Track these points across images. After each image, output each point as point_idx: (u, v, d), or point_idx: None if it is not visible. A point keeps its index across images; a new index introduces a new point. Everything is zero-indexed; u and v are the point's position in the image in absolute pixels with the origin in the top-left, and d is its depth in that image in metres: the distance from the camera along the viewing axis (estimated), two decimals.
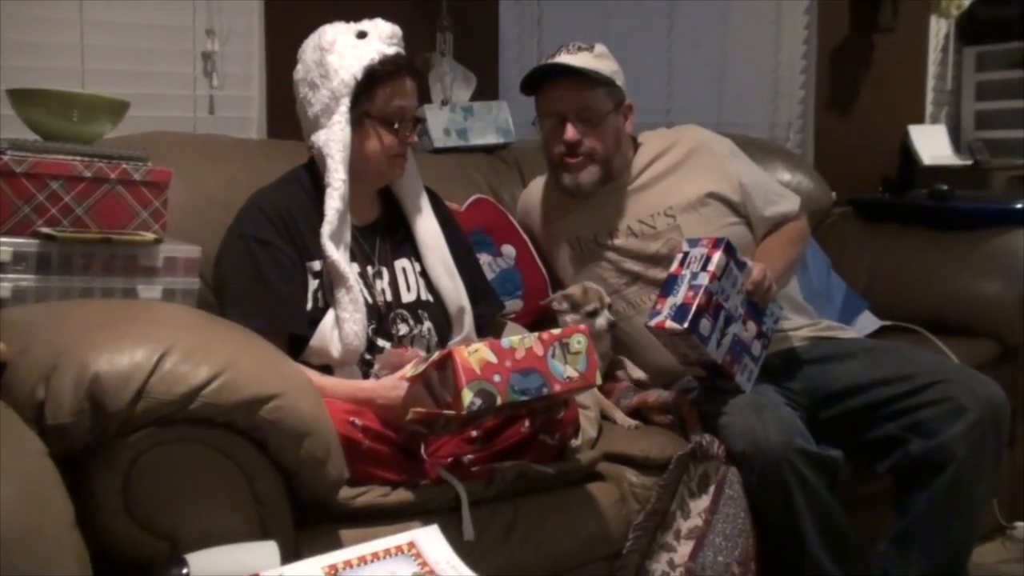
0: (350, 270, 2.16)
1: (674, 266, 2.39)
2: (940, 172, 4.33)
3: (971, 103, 5.05)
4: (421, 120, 2.32)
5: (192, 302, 2.08)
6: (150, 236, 2.02)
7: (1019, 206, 3.48)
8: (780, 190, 2.83)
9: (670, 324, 2.28)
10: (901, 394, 2.41)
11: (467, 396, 1.79)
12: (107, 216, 2.00)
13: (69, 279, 1.93)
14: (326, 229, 2.14)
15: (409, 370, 1.97)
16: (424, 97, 3.25)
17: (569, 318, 2.54)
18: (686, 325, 2.25)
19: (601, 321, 2.52)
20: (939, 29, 5.01)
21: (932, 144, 4.80)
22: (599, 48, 2.64)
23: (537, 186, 2.89)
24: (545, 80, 2.61)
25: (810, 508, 2.23)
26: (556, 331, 1.95)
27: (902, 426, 2.39)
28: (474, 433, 2.09)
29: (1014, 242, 3.29)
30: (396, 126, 2.22)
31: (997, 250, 3.31)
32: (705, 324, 2.28)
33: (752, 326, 2.38)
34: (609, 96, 2.62)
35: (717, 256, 2.32)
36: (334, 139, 2.17)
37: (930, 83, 5.01)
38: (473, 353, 1.83)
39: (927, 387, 2.39)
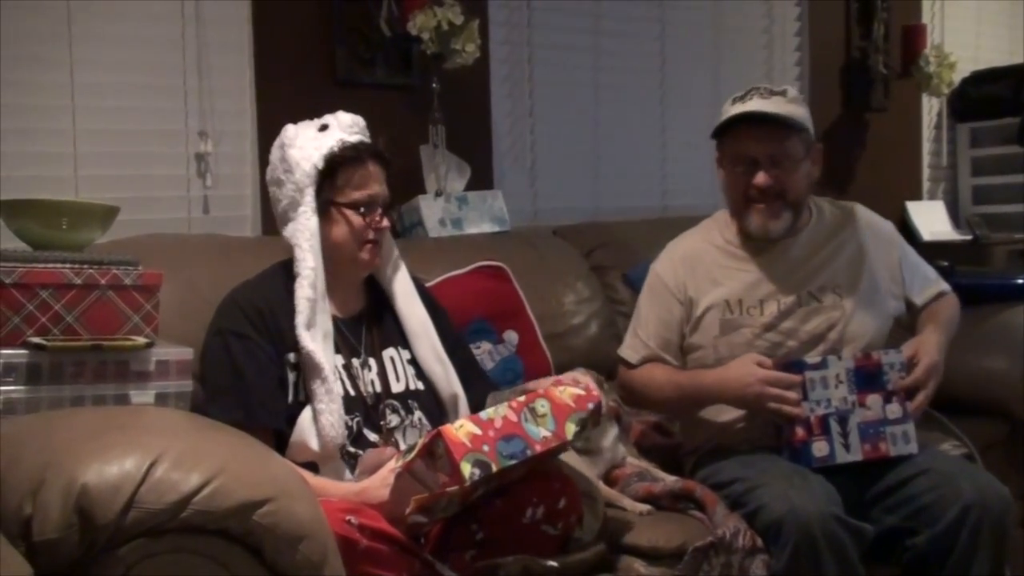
0: (326, 361, 2.14)
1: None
2: (940, 248, 4.32)
3: (967, 179, 5.08)
4: (392, 207, 2.34)
5: (185, 405, 2.05)
6: (141, 341, 2.00)
7: (1020, 281, 3.46)
8: (933, 274, 2.75)
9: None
10: (898, 483, 2.37)
11: (466, 468, 1.85)
12: (98, 322, 1.99)
13: (59, 388, 1.90)
14: (299, 319, 2.14)
15: (396, 464, 1.96)
16: (418, 188, 3.26)
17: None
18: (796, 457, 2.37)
19: (614, 430, 2.53)
20: (931, 107, 5.07)
21: (931, 220, 4.81)
22: (792, 92, 2.57)
23: (692, 246, 2.68)
24: (737, 125, 2.52)
25: None
26: (521, 399, 2.03)
27: (904, 516, 2.34)
28: (479, 536, 2.06)
29: (1017, 317, 3.27)
30: (362, 210, 2.23)
31: (1000, 326, 3.28)
32: (820, 446, 2.34)
33: (875, 398, 2.38)
34: (802, 142, 2.54)
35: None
36: (300, 229, 2.20)
37: (926, 159, 5.05)
38: (459, 428, 1.91)
39: (921, 474, 2.36)
